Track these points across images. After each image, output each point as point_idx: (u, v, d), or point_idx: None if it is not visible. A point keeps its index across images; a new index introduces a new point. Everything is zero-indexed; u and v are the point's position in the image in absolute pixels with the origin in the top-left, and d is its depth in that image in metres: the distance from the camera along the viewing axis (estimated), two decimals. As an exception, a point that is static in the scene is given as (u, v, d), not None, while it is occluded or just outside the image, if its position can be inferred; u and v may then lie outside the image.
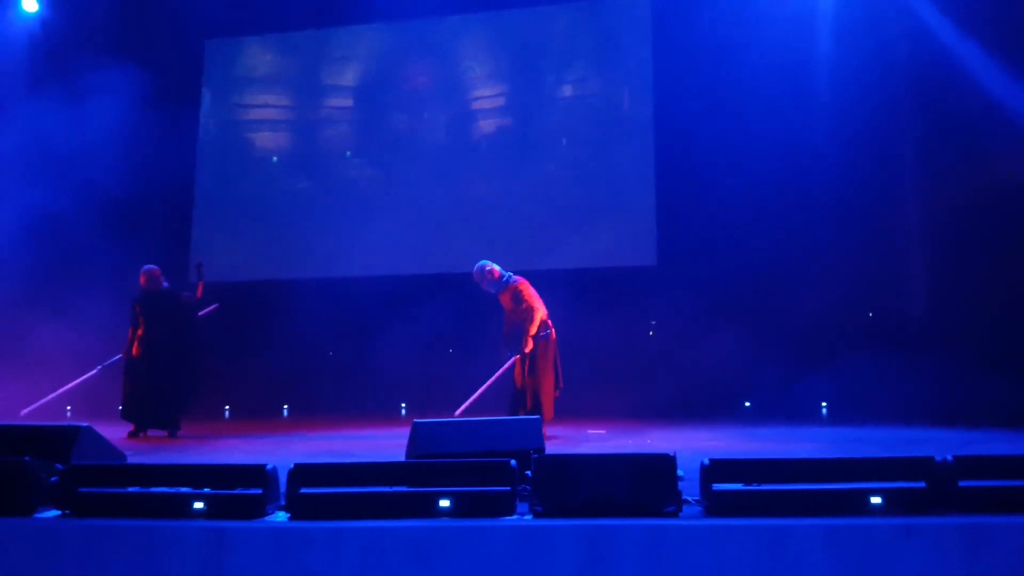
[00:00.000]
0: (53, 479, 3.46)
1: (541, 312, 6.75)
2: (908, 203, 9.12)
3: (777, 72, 9.03)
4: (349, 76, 10.91)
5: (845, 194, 8.91)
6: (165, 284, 7.43)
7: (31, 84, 9.94)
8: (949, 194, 8.47)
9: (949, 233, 8.62)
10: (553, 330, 6.83)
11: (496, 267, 6.89)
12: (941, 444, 5.41)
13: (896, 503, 3.13)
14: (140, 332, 7.26)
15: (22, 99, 9.93)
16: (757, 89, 8.99)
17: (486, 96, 10.49)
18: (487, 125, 10.45)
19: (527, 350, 6.62)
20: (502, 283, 6.83)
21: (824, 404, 8.73)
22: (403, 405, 9.79)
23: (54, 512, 3.40)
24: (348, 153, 10.85)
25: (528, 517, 3.21)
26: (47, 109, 9.63)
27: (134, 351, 7.24)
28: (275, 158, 11.03)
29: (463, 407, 6.30)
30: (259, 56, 11.23)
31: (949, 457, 3.19)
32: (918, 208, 9.04)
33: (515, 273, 6.99)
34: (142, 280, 7.37)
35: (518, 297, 6.74)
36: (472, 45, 10.57)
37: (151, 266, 7.44)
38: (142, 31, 10.29)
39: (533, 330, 6.65)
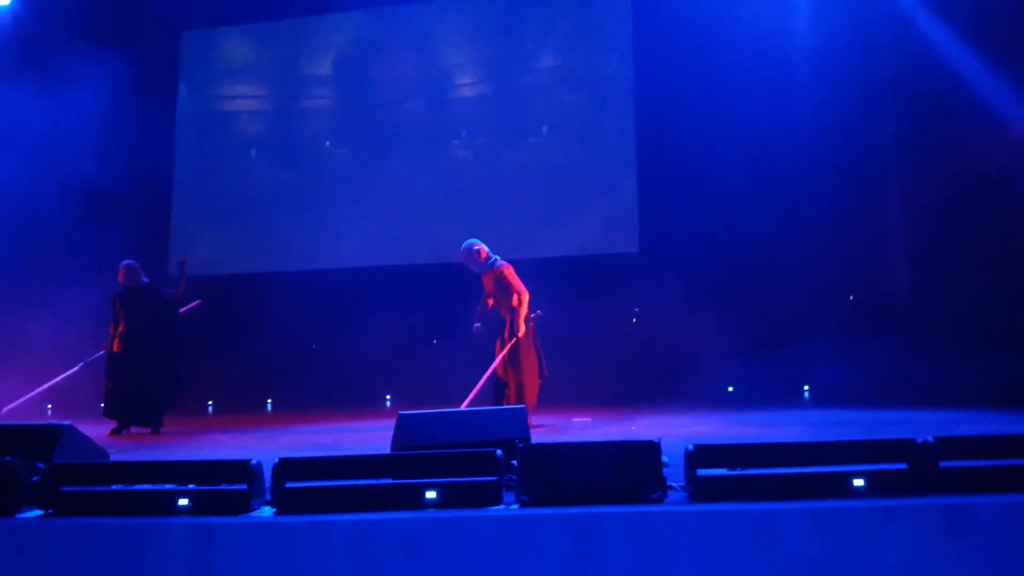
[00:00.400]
0: (35, 478, 3.43)
1: (527, 296, 6.72)
2: (889, 187, 9.19)
3: (758, 57, 9.06)
4: (327, 65, 10.84)
5: (826, 179, 8.97)
6: (144, 279, 7.37)
7: (5, 77, 9.80)
8: (930, 178, 8.55)
9: (929, 217, 8.70)
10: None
11: (484, 247, 6.83)
12: (922, 426, 5.48)
13: (879, 485, 3.16)
14: (121, 328, 7.20)
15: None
16: (739, 74, 9.02)
17: (465, 84, 10.45)
18: (467, 113, 10.42)
19: (520, 334, 6.60)
20: (487, 265, 6.79)
21: (807, 388, 8.81)
22: (388, 397, 9.78)
23: (37, 512, 3.37)
24: (328, 143, 10.79)
25: (515, 506, 3.22)
26: (23, 102, 9.51)
27: (115, 348, 7.19)
28: (253, 150, 10.94)
29: (469, 398, 6.29)
30: (236, 47, 11.13)
31: (930, 438, 3.23)
32: (899, 191, 9.11)
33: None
34: (121, 276, 7.31)
35: (503, 282, 6.70)
36: (450, 32, 10.53)
37: (129, 261, 7.38)
38: (118, 23, 10.15)
39: (524, 312, 6.61)
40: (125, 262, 7.36)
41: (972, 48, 8.27)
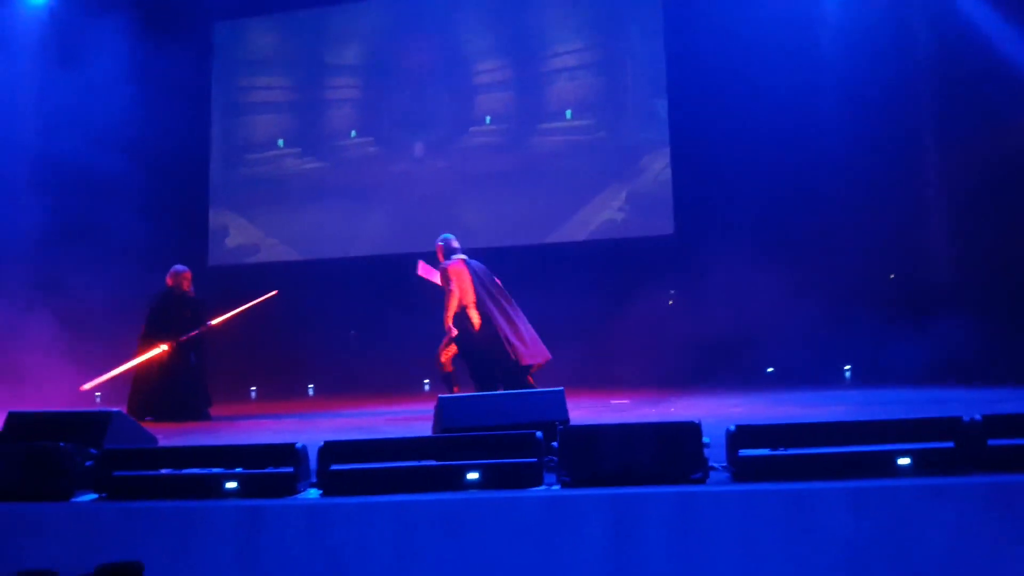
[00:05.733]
0: (88, 463, 3.53)
1: (457, 297, 6.61)
2: (928, 165, 9.00)
3: (793, 34, 8.90)
4: (352, 54, 10.87)
5: (865, 155, 8.80)
6: (191, 288, 7.36)
7: (42, 71, 9.99)
8: (969, 156, 8.35)
9: (970, 193, 8.50)
10: (473, 316, 6.63)
11: (444, 245, 6.87)
12: (968, 404, 5.38)
13: (924, 464, 3.13)
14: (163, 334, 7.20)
15: (32, 89, 10.00)
16: (773, 51, 8.86)
17: (490, 69, 10.42)
18: (492, 98, 10.38)
19: (450, 332, 6.59)
20: (444, 262, 6.79)
21: (848, 367, 8.70)
22: (426, 381, 9.85)
23: (91, 495, 3.47)
24: (353, 132, 10.84)
25: (556, 487, 3.24)
26: (60, 96, 9.69)
27: (166, 347, 7.12)
28: (282, 140, 11.03)
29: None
30: (265, 37, 11.23)
31: (977, 416, 3.18)
32: (938, 169, 8.92)
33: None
34: (169, 280, 7.30)
35: (443, 279, 6.72)
36: (473, 18, 10.50)
37: (181, 267, 7.38)
38: (152, 16, 10.26)
39: (448, 315, 6.58)
40: (177, 267, 7.35)
41: (1013, 25, 8.05)
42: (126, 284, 8.77)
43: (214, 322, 7.37)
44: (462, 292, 6.66)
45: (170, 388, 7.08)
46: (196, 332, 7.25)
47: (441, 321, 6.68)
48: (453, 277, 6.65)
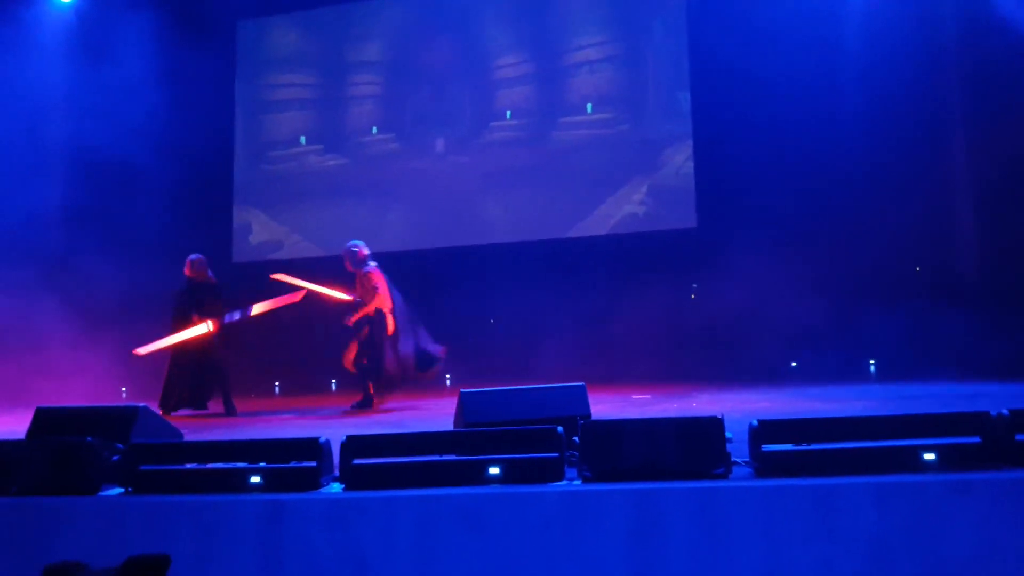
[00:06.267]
0: (115, 458, 3.57)
1: (380, 304, 6.88)
2: (955, 155, 8.87)
3: (816, 25, 8.80)
4: (373, 51, 10.91)
5: (888, 149, 8.69)
6: (211, 274, 7.43)
7: (68, 72, 10.11)
8: (997, 145, 8.22)
9: (998, 184, 8.37)
10: (390, 322, 6.96)
11: (364, 249, 7.08)
12: (996, 398, 5.31)
13: (950, 459, 3.09)
14: (195, 321, 7.24)
15: (60, 88, 10.12)
16: (796, 43, 8.77)
17: (510, 64, 10.40)
18: (513, 93, 10.37)
19: (348, 323, 6.91)
20: (359, 266, 6.99)
21: (872, 362, 8.60)
22: (447, 376, 9.87)
23: (117, 489, 3.51)
24: (375, 129, 10.87)
25: (577, 482, 3.24)
26: (86, 95, 9.81)
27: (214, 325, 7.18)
28: (303, 138, 11.08)
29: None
30: (287, 35, 11.30)
31: (1005, 411, 3.14)
32: (966, 159, 8.79)
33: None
34: (187, 270, 7.32)
35: (367, 284, 6.91)
36: (495, 12, 10.49)
37: (198, 256, 7.44)
38: (176, 15, 10.35)
39: (359, 315, 6.86)
40: (193, 256, 7.37)
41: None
42: (152, 280, 8.85)
43: (253, 311, 7.48)
44: (383, 298, 6.92)
45: (207, 377, 7.18)
46: (239, 318, 7.35)
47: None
48: (379, 283, 6.90)
